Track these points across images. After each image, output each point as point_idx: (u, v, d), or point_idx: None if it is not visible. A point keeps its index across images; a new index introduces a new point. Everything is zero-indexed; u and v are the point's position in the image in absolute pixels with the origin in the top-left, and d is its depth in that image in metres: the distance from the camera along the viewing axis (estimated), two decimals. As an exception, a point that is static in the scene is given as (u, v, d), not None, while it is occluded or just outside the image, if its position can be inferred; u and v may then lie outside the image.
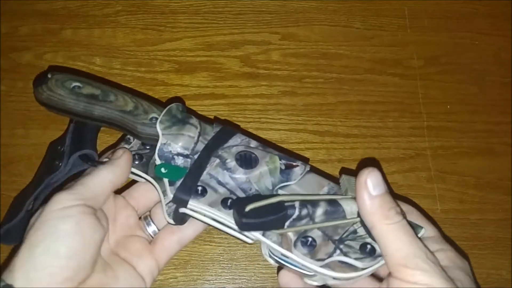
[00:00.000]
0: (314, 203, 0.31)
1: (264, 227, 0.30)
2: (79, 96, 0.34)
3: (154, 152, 0.34)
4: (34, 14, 0.49)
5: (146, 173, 0.34)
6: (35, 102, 0.45)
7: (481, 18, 0.51)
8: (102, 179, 0.31)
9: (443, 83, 0.49)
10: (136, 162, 0.34)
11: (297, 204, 0.31)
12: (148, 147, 0.36)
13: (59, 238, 0.28)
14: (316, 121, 0.47)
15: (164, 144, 0.33)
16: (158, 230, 0.36)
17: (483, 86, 0.49)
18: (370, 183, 0.28)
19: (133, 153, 0.35)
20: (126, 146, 0.35)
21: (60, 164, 0.34)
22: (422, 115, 0.47)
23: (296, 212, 0.31)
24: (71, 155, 0.34)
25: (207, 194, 0.32)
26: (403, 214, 0.28)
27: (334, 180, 0.34)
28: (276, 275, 0.42)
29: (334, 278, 0.30)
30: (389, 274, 0.28)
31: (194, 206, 0.32)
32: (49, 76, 0.34)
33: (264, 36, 0.49)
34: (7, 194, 0.43)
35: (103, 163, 0.33)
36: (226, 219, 0.31)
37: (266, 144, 0.35)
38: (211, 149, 0.33)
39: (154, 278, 0.34)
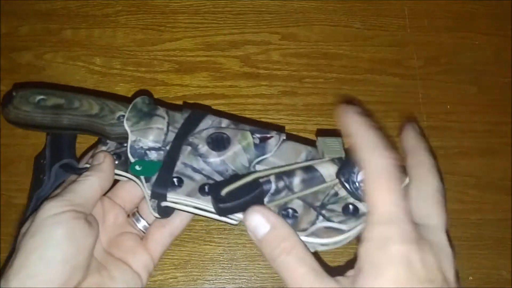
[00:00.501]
0: (290, 174, 0.31)
1: (242, 208, 0.29)
2: (45, 109, 0.34)
3: None
4: (34, 14, 0.49)
5: (127, 171, 0.34)
6: (35, 102, 0.46)
7: (481, 18, 0.51)
8: (91, 184, 0.32)
9: (443, 83, 0.48)
10: (116, 163, 0.34)
11: (272, 178, 0.31)
12: (125, 145, 0.35)
13: (53, 245, 0.28)
14: (316, 121, 0.47)
15: (134, 141, 0.33)
16: (149, 224, 0.36)
17: (483, 86, 0.49)
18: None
19: (111, 153, 0.35)
20: (103, 147, 0.35)
21: (44, 177, 0.34)
22: (422, 115, 0.47)
23: (273, 186, 0.30)
24: (51, 167, 0.34)
25: (183, 184, 0.31)
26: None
27: (312, 143, 0.34)
28: (276, 275, 0.42)
29: (322, 245, 0.29)
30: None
31: (173, 198, 0.31)
32: (14, 93, 0.34)
33: (264, 36, 0.49)
34: (7, 194, 0.43)
35: (85, 169, 0.33)
36: (207, 205, 0.31)
37: (239, 120, 0.34)
38: (181, 138, 0.33)
39: (150, 272, 0.35)
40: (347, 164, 0.30)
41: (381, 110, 0.47)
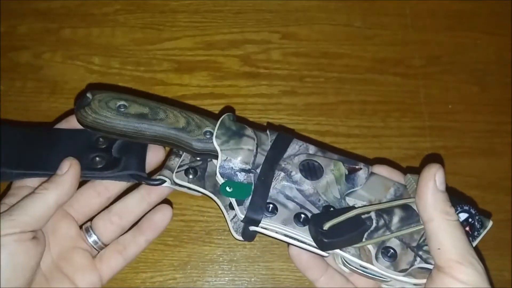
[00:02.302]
0: (389, 211, 0.31)
1: (344, 244, 0.30)
2: (128, 117, 0.32)
3: (207, 164, 0.34)
4: (33, 13, 0.48)
5: (204, 187, 0.33)
6: (34, 102, 0.45)
7: (483, 18, 0.51)
8: (46, 202, 0.30)
9: (445, 83, 0.48)
10: (191, 177, 0.34)
11: (373, 214, 0.31)
12: (199, 159, 0.34)
13: None
14: (316, 121, 0.46)
15: (225, 160, 0.32)
16: (99, 240, 0.34)
17: (485, 85, 0.49)
18: (438, 178, 0.28)
19: (186, 167, 0.34)
20: (176, 159, 0.34)
21: (97, 159, 0.33)
22: (424, 115, 0.47)
23: (374, 224, 0.30)
24: (124, 167, 0.33)
25: (278, 211, 0.31)
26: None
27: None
28: (276, 276, 0.42)
29: (415, 284, 0.30)
30: (436, 270, 0.28)
31: (267, 225, 0.31)
32: (89, 96, 0.32)
33: (264, 35, 0.49)
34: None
35: (154, 180, 0.33)
36: (303, 235, 0.31)
37: (323, 147, 0.34)
38: (272, 162, 0.32)
39: None
40: None
41: (382, 110, 0.47)
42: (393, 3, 0.50)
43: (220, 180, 0.32)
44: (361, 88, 0.47)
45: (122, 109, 0.32)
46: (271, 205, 0.31)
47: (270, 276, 0.42)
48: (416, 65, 0.49)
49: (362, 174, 0.33)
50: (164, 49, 0.48)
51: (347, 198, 0.32)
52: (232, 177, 0.32)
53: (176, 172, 0.34)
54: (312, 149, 0.34)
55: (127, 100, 0.32)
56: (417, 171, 0.31)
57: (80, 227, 0.35)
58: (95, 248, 0.34)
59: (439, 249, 0.28)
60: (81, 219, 0.35)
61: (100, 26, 0.48)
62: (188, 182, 0.33)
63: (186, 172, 0.34)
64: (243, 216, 0.31)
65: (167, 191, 0.36)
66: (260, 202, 0.31)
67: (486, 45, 0.50)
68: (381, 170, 0.34)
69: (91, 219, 0.35)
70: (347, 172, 0.33)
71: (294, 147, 0.33)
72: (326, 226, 0.29)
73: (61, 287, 0.32)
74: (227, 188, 0.31)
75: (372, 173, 0.33)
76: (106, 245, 0.35)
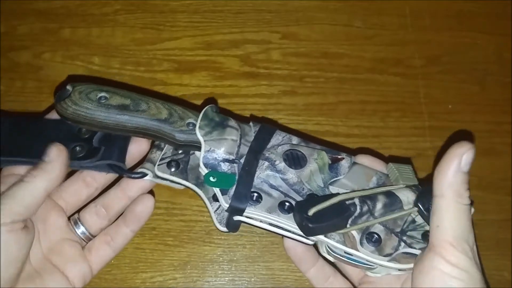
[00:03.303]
0: (373, 198, 0.31)
1: (328, 230, 0.30)
2: (109, 108, 0.31)
3: (189, 157, 0.33)
4: (33, 13, 0.48)
5: (187, 180, 0.33)
6: (34, 102, 0.45)
7: (483, 17, 0.51)
8: (36, 189, 0.29)
9: (445, 83, 0.48)
10: (173, 169, 0.33)
11: (357, 201, 0.31)
12: (180, 152, 0.34)
13: None
14: (316, 120, 0.46)
15: (208, 151, 0.32)
16: (87, 231, 0.34)
17: (485, 85, 0.49)
18: (465, 158, 0.27)
19: (168, 159, 0.34)
20: (158, 152, 0.34)
21: (77, 149, 0.32)
22: (424, 115, 0.47)
23: (358, 210, 0.30)
24: (102, 157, 0.32)
25: (262, 200, 0.31)
26: (471, 202, 0.28)
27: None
28: (276, 276, 0.42)
29: (400, 270, 0.30)
30: (428, 249, 0.28)
31: (252, 213, 0.31)
32: (69, 88, 0.32)
33: (264, 35, 0.49)
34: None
35: (134, 173, 0.33)
36: (287, 223, 0.31)
37: (306, 138, 0.34)
38: (256, 152, 0.32)
39: (86, 282, 0.34)
40: (425, 193, 0.30)
41: (382, 110, 0.47)
42: (393, 3, 0.50)
43: (204, 170, 0.32)
44: (361, 88, 0.47)
45: (103, 101, 0.31)
46: (255, 194, 0.31)
47: (270, 276, 0.42)
48: (416, 65, 0.49)
49: (344, 163, 0.33)
50: (164, 49, 0.48)
51: (330, 187, 0.32)
52: (215, 167, 0.32)
53: (158, 165, 0.33)
54: (295, 139, 0.34)
55: (108, 92, 0.32)
56: (398, 160, 0.31)
57: (68, 218, 0.35)
58: (83, 240, 0.34)
59: (438, 226, 0.27)
60: (69, 209, 0.35)
61: (100, 26, 0.48)
62: (171, 174, 0.33)
63: (169, 165, 0.33)
64: (227, 206, 0.31)
65: (148, 185, 0.35)
66: (244, 191, 0.31)
67: (486, 45, 0.50)
68: (364, 159, 0.34)
69: (78, 211, 0.35)
70: (330, 162, 0.33)
71: (278, 138, 0.33)
72: (311, 212, 0.29)
73: (52, 278, 0.31)
74: (211, 178, 0.31)
75: (354, 163, 0.34)
76: (94, 237, 0.35)
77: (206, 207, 0.33)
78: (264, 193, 0.31)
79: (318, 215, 0.29)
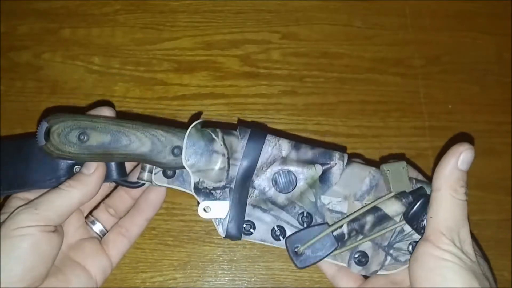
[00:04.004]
0: (361, 219, 0.32)
1: (319, 261, 0.32)
2: (91, 149, 0.31)
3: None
4: (33, 13, 0.48)
5: (184, 186, 0.34)
6: (34, 102, 0.45)
7: (483, 17, 0.51)
8: (70, 199, 0.31)
9: (445, 83, 0.48)
10: (169, 175, 0.34)
11: (345, 228, 0.32)
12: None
13: (15, 257, 0.28)
14: (316, 120, 0.46)
15: (198, 182, 0.33)
16: (104, 228, 0.36)
17: (485, 85, 0.49)
18: (463, 157, 0.29)
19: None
20: None
21: (78, 169, 0.33)
22: (424, 115, 0.47)
23: (346, 236, 0.32)
24: (105, 176, 0.33)
25: (255, 229, 0.33)
26: (467, 197, 0.29)
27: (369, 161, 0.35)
28: (276, 276, 0.42)
29: (385, 275, 0.33)
30: (422, 240, 0.30)
31: (248, 240, 0.33)
32: (46, 123, 0.31)
33: (264, 35, 0.49)
34: (5, 195, 0.43)
35: (137, 184, 0.34)
36: (281, 245, 0.33)
37: (296, 140, 0.34)
38: (245, 177, 0.33)
39: (107, 275, 0.35)
40: (415, 206, 0.31)
41: (382, 110, 0.47)
42: (393, 3, 0.50)
43: (198, 200, 0.33)
44: (361, 88, 0.47)
45: (84, 139, 0.31)
46: (249, 224, 0.33)
47: (270, 276, 0.42)
48: (416, 65, 0.49)
49: (336, 170, 0.33)
50: (164, 49, 0.48)
51: (322, 197, 0.33)
52: (208, 196, 0.33)
53: (155, 174, 0.34)
54: (285, 148, 0.33)
55: (86, 128, 0.31)
56: (393, 157, 0.33)
57: (86, 217, 0.36)
58: (100, 237, 0.36)
59: (431, 217, 0.29)
60: (85, 211, 0.36)
61: (100, 26, 0.48)
62: (168, 183, 0.34)
63: (164, 172, 0.34)
64: (223, 235, 0.33)
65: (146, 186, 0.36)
66: (237, 221, 0.33)
67: (486, 45, 0.50)
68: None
69: (90, 212, 0.36)
70: (321, 172, 0.33)
71: (267, 150, 0.33)
72: (301, 250, 0.32)
73: (74, 273, 0.33)
74: (205, 209, 0.32)
75: (348, 162, 0.33)
76: None
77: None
78: (257, 219, 0.33)
79: (308, 249, 0.32)
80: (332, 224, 0.32)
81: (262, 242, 0.33)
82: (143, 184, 0.34)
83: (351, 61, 0.48)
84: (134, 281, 0.41)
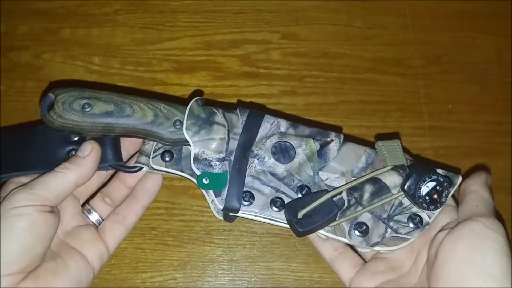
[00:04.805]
0: (360, 188, 0.32)
1: (319, 228, 0.31)
2: (94, 117, 0.32)
3: (182, 146, 0.34)
4: (33, 13, 0.48)
5: (182, 170, 0.34)
6: (34, 102, 0.45)
7: (483, 17, 0.51)
8: (66, 181, 0.31)
9: (445, 83, 0.48)
10: (167, 159, 0.34)
11: (344, 195, 0.32)
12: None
13: (12, 236, 0.29)
14: (316, 120, 0.46)
15: (198, 153, 0.32)
16: (101, 217, 0.36)
17: (485, 85, 0.49)
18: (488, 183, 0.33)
19: (162, 150, 0.34)
20: (151, 143, 0.35)
21: (73, 153, 0.33)
22: (424, 115, 0.47)
23: (346, 204, 0.32)
24: (101, 160, 0.33)
25: (254, 199, 0.32)
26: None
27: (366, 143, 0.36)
28: (276, 276, 0.42)
29: (387, 251, 0.32)
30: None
31: (246, 213, 0.32)
32: (51, 95, 0.32)
33: (264, 35, 0.49)
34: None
35: (135, 168, 0.34)
36: (280, 220, 0.32)
37: (294, 121, 0.35)
38: (245, 148, 0.33)
39: (104, 262, 0.35)
40: (411, 176, 0.32)
41: (382, 110, 0.47)
42: (393, 3, 0.50)
43: (196, 171, 0.32)
44: (361, 88, 0.47)
45: (87, 109, 0.32)
46: (248, 194, 0.32)
47: (270, 276, 0.42)
48: (416, 65, 0.49)
49: (333, 146, 0.34)
50: (164, 49, 0.48)
51: (320, 173, 0.33)
52: (207, 167, 0.32)
53: (153, 158, 0.34)
54: (283, 125, 0.34)
55: (90, 98, 0.32)
56: (386, 137, 0.33)
57: (82, 206, 0.36)
58: (96, 226, 0.36)
59: (476, 206, 0.31)
60: (82, 198, 0.36)
61: (100, 26, 0.48)
62: (166, 166, 0.34)
63: (162, 156, 0.34)
64: (221, 207, 0.32)
65: (143, 173, 0.37)
66: (237, 192, 0.32)
67: (486, 45, 0.50)
68: None
69: (86, 201, 0.37)
70: (318, 147, 0.34)
71: (266, 126, 0.34)
72: (300, 215, 0.31)
73: (72, 258, 0.33)
74: (204, 181, 0.32)
75: (344, 142, 0.34)
76: None
77: (204, 196, 0.34)
78: (256, 190, 0.32)
79: (308, 216, 0.31)
80: (332, 190, 0.32)
81: (260, 216, 0.32)
82: (141, 168, 0.34)
83: (351, 61, 0.48)
84: (134, 281, 0.41)
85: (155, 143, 0.34)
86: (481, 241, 0.28)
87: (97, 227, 0.36)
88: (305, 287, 0.42)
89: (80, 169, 0.32)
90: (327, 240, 0.36)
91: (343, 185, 0.33)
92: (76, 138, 0.34)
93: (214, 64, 0.47)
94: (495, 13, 0.51)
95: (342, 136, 0.34)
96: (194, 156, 0.32)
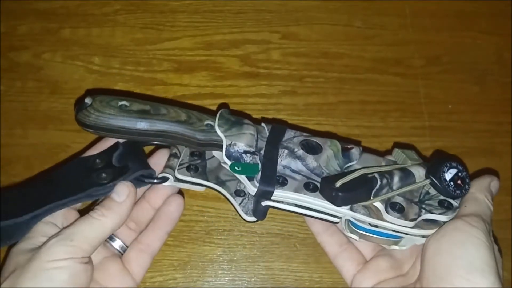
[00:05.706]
0: (390, 172, 0.33)
1: (355, 200, 0.32)
2: (131, 113, 0.32)
3: (206, 162, 0.35)
4: (33, 13, 0.48)
5: (207, 180, 0.35)
6: (34, 102, 0.45)
7: (483, 17, 0.51)
8: (103, 229, 0.30)
9: (445, 83, 0.48)
10: (192, 172, 0.35)
11: (376, 175, 0.33)
12: (196, 157, 0.36)
13: None
14: (316, 120, 0.46)
15: (229, 145, 0.33)
16: (124, 243, 0.35)
17: (485, 85, 0.49)
18: (494, 183, 0.35)
19: (187, 164, 0.35)
20: (175, 160, 0.35)
21: (103, 175, 0.32)
22: (424, 115, 0.47)
23: (378, 182, 0.32)
24: (133, 170, 0.32)
25: (288, 182, 0.33)
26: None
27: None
28: (276, 276, 0.42)
29: (423, 236, 0.32)
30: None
31: (280, 195, 0.32)
32: (88, 101, 0.32)
33: (264, 35, 0.49)
34: (5, 195, 0.43)
35: (164, 179, 0.34)
36: (315, 200, 0.32)
37: (315, 135, 0.36)
38: (274, 143, 0.34)
39: None
40: (434, 166, 0.33)
41: (382, 110, 0.47)
42: (393, 3, 0.50)
43: (228, 162, 0.33)
44: (361, 88, 0.47)
45: (124, 108, 0.32)
46: (281, 178, 0.33)
47: (270, 276, 0.42)
48: (416, 65, 0.49)
49: (355, 151, 0.35)
50: (164, 49, 0.48)
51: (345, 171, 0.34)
52: (238, 159, 0.33)
53: (178, 169, 0.35)
54: (306, 135, 0.36)
55: (128, 100, 0.33)
56: (403, 146, 0.34)
57: None
58: (121, 253, 0.35)
59: (465, 206, 0.32)
60: None
61: (100, 26, 0.48)
62: (191, 176, 0.35)
63: (188, 169, 0.35)
64: (255, 190, 0.32)
65: (169, 191, 0.36)
66: (270, 175, 0.32)
67: (486, 45, 0.50)
68: None
69: None
70: (341, 149, 0.35)
71: (290, 133, 0.36)
72: (338, 184, 0.31)
73: None
74: (236, 167, 0.32)
75: (363, 152, 0.36)
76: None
77: (230, 203, 0.34)
78: (288, 177, 0.33)
79: (345, 187, 0.31)
80: (365, 167, 0.33)
81: (295, 195, 0.32)
82: (167, 179, 0.34)
83: (351, 61, 0.48)
84: (134, 281, 0.41)
85: (180, 159, 0.35)
86: (464, 236, 0.30)
87: (122, 254, 0.35)
88: (305, 287, 0.42)
89: (117, 216, 0.31)
90: (333, 235, 0.36)
91: (375, 166, 0.34)
92: (101, 165, 0.33)
93: (214, 64, 0.47)
94: (495, 13, 0.51)
95: (361, 148, 0.36)
96: (225, 149, 0.33)
